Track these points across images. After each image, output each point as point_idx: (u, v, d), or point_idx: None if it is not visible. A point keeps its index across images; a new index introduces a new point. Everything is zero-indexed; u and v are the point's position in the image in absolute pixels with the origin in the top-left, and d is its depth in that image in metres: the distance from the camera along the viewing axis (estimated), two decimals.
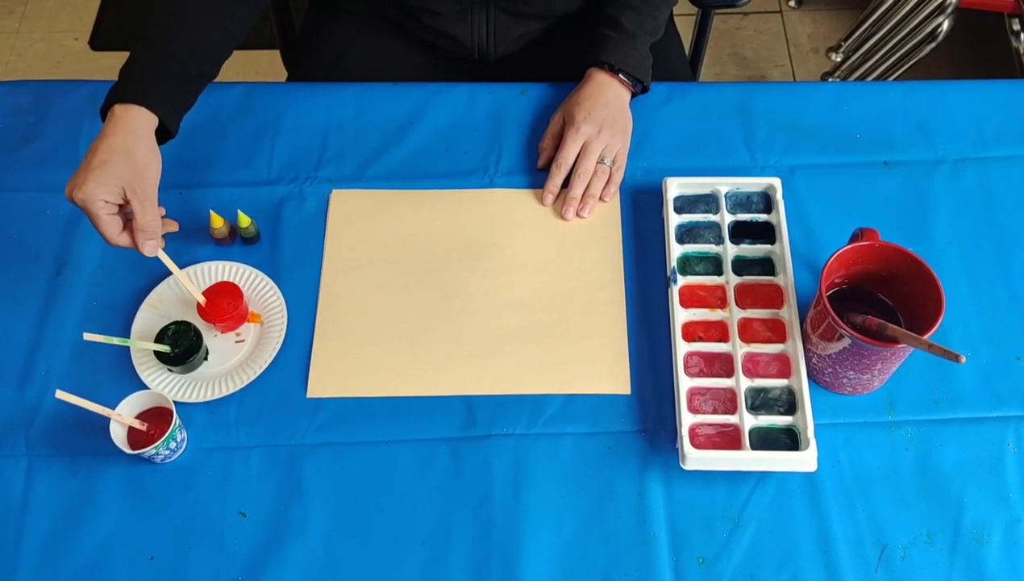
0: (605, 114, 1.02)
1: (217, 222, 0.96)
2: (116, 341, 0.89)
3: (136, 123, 0.88)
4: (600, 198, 1.01)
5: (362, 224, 1.01)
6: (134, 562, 0.84)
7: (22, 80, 1.11)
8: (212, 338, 0.94)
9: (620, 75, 1.03)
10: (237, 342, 0.94)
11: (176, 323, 0.91)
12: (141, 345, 0.91)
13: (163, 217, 0.90)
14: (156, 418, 0.86)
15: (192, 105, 0.94)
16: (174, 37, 0.92)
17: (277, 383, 0.92)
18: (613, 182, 1.02)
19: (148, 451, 0.84)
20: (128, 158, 0.86)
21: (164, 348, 0.89)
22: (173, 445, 0.86)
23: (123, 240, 0.87)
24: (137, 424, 0.85)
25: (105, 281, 0.98)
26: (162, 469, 0.88)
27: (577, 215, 1.00)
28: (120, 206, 0.87)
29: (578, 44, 1.08)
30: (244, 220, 0.97)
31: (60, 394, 0.83)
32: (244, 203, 1.00)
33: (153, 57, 0.91)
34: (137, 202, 0.86)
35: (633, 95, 1.06)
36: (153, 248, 0.88)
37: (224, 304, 0.92)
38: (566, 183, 1.02)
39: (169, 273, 0.93)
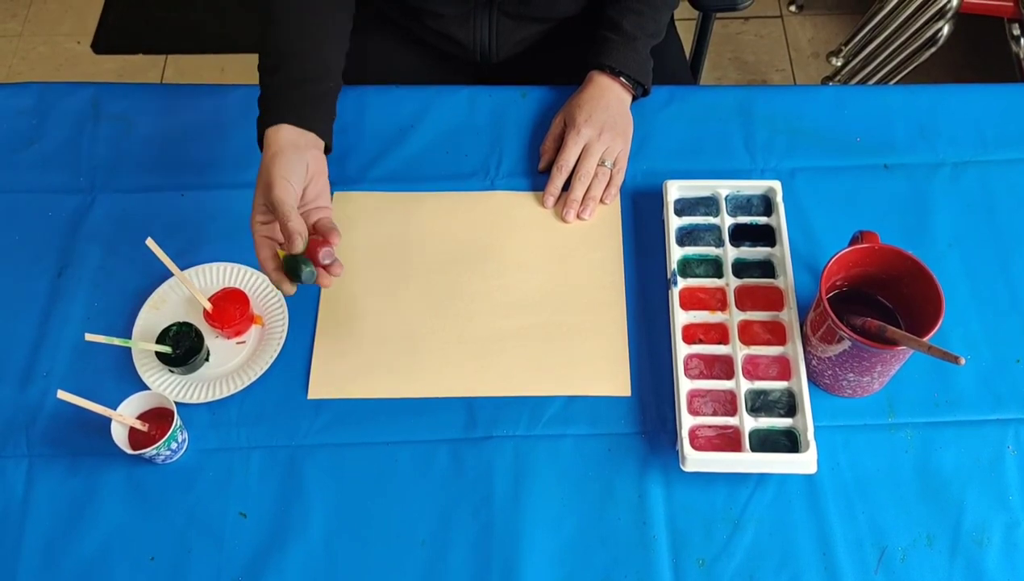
0: (606, 117, 1.02)
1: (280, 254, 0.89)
2: (117, 342, 0.89)
3: (303, 141, 0.91)
4: (601, 200, 1.01)
5: (364, 226, 1.01)
6: (135, 562, 0.84)
7: (26, 82, 1.12)
8: (213, 339, 0.94)
9: (621, 78, 1.03)
10: (238, 343, 0.94)
11: (177, 324, 0.91)
12: (142, 346, 0.91)
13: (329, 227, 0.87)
14: (157, 419, 0.86)
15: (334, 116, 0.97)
16: (303, 61, 0.94)
17: (278, 384, 0.92)
18: (614, 184, 1.02)
19: (149, 452, 0.84)
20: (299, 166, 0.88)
21: (165, 349, 0.90)
22: (174, 446, 0.86)
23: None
24: (138, 425, 0.86)
25: (107, 282, 0.98)
26: (163, 469, 0.88)
27: (578, 217, 1.01)
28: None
29: (580, 47, 1.08)
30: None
31: (62, 394, 0.83)
32: (246, 204, 1.00)
33: (294, 83, 0.92)
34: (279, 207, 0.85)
35: (634, 98, 1.06)
36: (292, 240, 0.83)
37: (231, 310, 0.92)
38: (567, 185, 1.02)
39: (170, 274, 0.93)
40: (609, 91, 1.04)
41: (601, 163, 1.02)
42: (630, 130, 1.05)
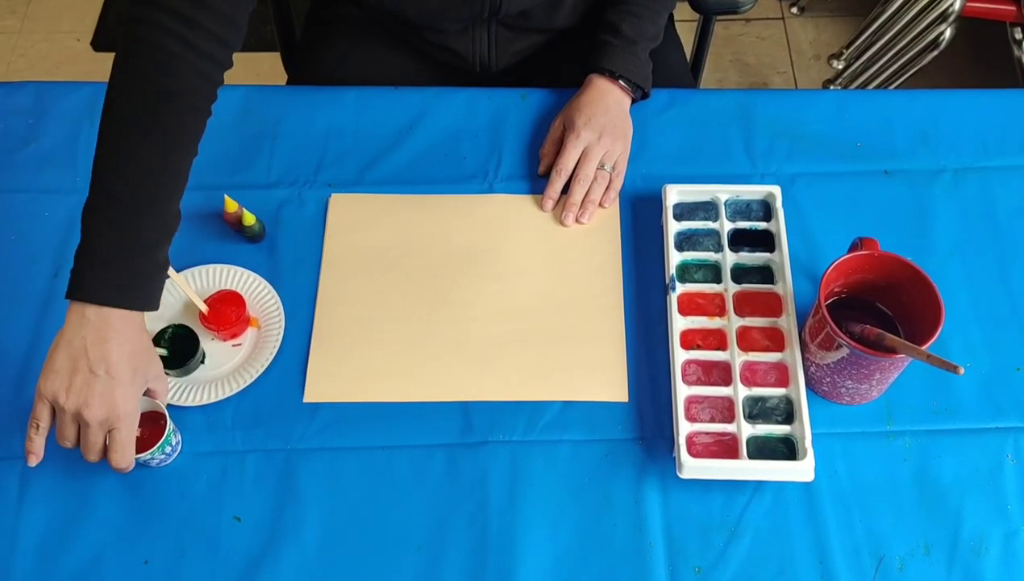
0: (606, 120, 1.01)
1: (231, 206, 0.96)
2: None
3: (136, 327, 0.81)
4: (600, 204, 1.01)
5: (361, 228, 1.01)
6: (129, 566, 0.84)
7: (23, 81, 1.11)
8: (209, 342, 0.94)
9: (620, 81, 1.03)
10: (234, 346, 0.94)
11: (173, 326, 0.91)
12: None
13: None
14: (150, 423, 0.86)
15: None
16: (162, 213, 0.82)
17: (274, 387, 0.92)
18: (613, 188, 1.02)
19: (143, 457, 0.83)
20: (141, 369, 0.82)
21: (161, 351, 0.89)
22: (168, 450, 0.86)
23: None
24: None
25: None
26: (157, 473, 0.88)
27: (577, 221, 1.00)
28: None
29: (579, 55, 1.08)
30: (249, 218, 0.97)
31: None
32: (244, 205, 1.00)
33: (121, 250, 0.80)
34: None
35: (633, 101, 1.06)
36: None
37: (227, 312, 0.92)
38: (566, 189, 1.02)
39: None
40: (609, 94, 1.03)
41: (601, 166, 1.01)
42: (630, 133, 1.04)
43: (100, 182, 0.81)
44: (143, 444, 0.84)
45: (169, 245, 0.84)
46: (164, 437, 0.83)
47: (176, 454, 0.88)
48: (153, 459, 0.85)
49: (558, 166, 1.01)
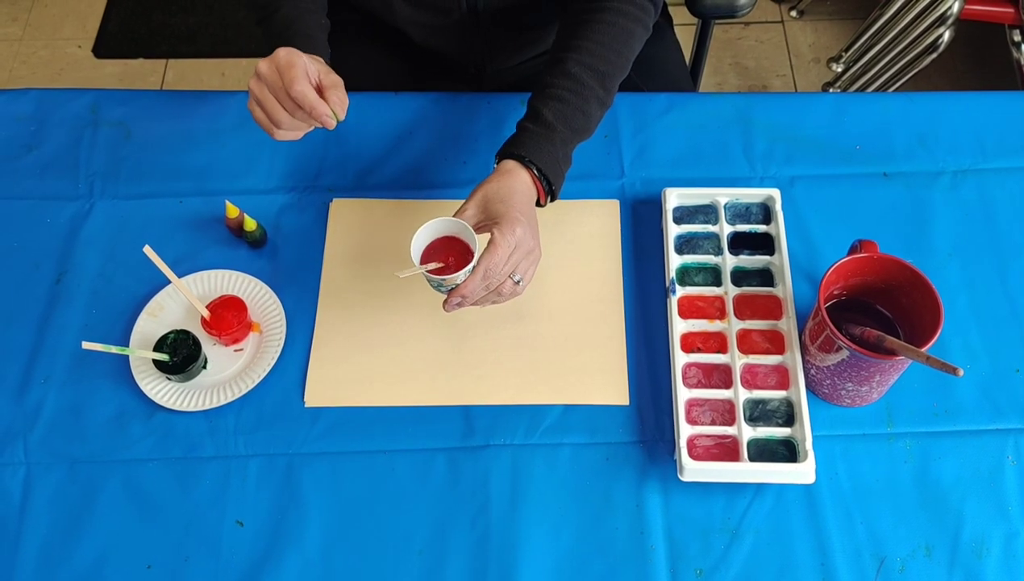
0: (534, 220, 0.88)
1: (233, 212, 0.97)
2: (115, 350, 0.89)
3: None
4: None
5: (362, 233, 1.01)
6: (132, 570, 0.84)
7: (25, 88, 1.12)
8: (211, 347, 0.94)
9: (532, 169, 0.89)
10: (236, 351, 0.94)
11: (175, 332, 0.91)
12: (140, 353, 0.91)
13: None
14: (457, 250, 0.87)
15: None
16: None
17: (275, 392, 0.92)
18: (505, 298, 0.88)
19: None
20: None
21: (163, 357, 0.90)
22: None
23: (313, 96, 0.82)
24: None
25: (105, 289, 0.98)
26: (160, 477, 0.88)
27: (445, 306, 0.86)
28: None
29: None
30: (250, 223, 0.97)
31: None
32: (245, 211, 1.00)
33: (288, 19, 0.94)
34: (325, 70, 0.86)
35: (539, 202, 0.91)
36: (337, 107, 0.84)
37: (229, 318, 0.92)
38: None
39: (168, 281, 0.93)
40: (523, 184, 0.88)
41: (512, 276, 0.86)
42: (539, 239, 0.89)
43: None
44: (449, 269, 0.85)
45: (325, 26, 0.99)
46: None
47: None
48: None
49: (487, 265, 0.83)
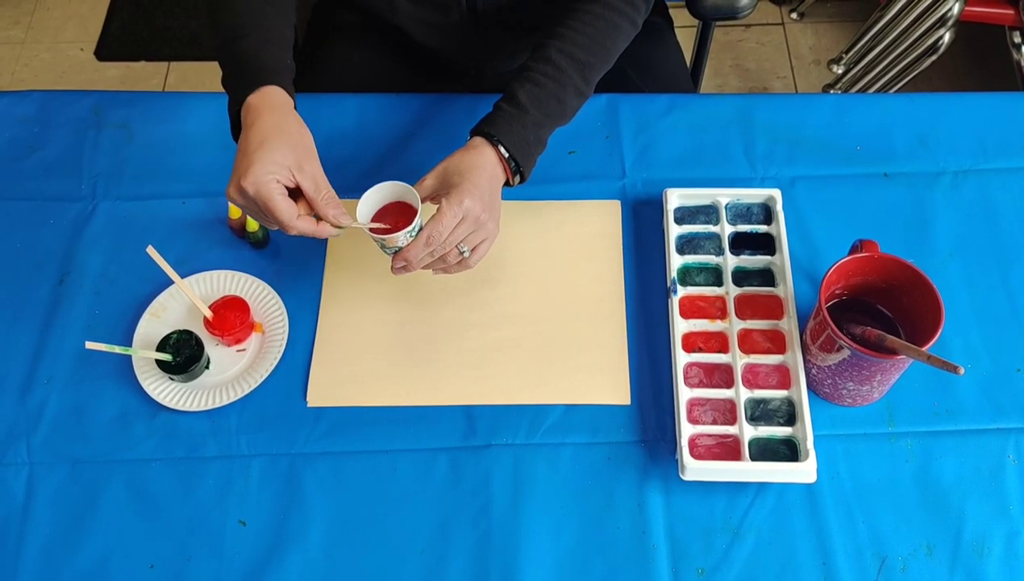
0: (491, 198, 0.88)
1: (235, 213, 0.97)
2: (118, 350, 0.89)
3: (277, 100, 0.84)
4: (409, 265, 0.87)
5: (363, 234, 1.01)
6: (134, 570, 0.84)
7: (28, 90, 1.12)
8: (214, 347, 0.94)
9: (500, 148, 0.89)
10: (238, 351, 0.94)
11: (178, 332, 0.92)
12: (143, 354, 0.91)
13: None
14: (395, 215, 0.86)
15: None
16: (264, 31, 0.88)
17: (278, 392, 0.92)
18: (456, 268, 0.90)
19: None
20: (284, 135, 0.81)
21: (166, 357, 0.90)
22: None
23: (303, 225, 0.81)
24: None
25: (107, 290, 0.98)
26: (163, 477, 0.88)
27: (393, 269, 0.88)
28: (289, 190, 0.82)
29: None
30: (252, 224, 0.97)
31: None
32: None
33: (256, 47, 0.86)
34: (307, 178, 0.81)
35: (507, 182, 0.91)
36: (339, 218, 0.82)
37: (231, 318, 0.93)
38: None
39: (171, 282, 0.93)
40: (488, 161, 0.88)
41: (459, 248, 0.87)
42: (499, 218, 0.90)
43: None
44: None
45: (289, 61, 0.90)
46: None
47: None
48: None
49: (430, 232, 0.84)
